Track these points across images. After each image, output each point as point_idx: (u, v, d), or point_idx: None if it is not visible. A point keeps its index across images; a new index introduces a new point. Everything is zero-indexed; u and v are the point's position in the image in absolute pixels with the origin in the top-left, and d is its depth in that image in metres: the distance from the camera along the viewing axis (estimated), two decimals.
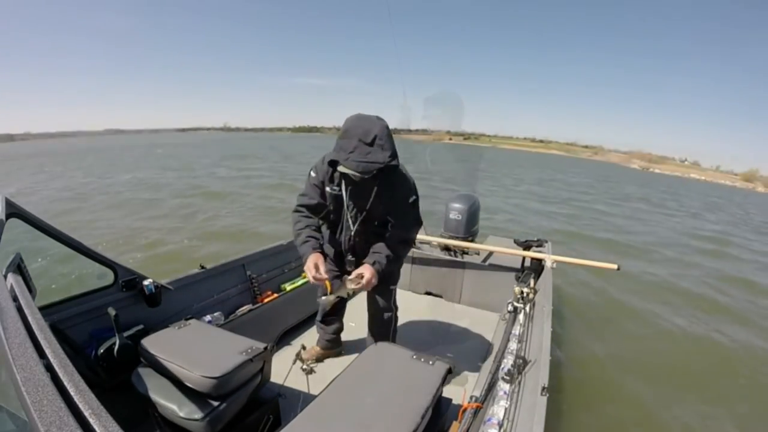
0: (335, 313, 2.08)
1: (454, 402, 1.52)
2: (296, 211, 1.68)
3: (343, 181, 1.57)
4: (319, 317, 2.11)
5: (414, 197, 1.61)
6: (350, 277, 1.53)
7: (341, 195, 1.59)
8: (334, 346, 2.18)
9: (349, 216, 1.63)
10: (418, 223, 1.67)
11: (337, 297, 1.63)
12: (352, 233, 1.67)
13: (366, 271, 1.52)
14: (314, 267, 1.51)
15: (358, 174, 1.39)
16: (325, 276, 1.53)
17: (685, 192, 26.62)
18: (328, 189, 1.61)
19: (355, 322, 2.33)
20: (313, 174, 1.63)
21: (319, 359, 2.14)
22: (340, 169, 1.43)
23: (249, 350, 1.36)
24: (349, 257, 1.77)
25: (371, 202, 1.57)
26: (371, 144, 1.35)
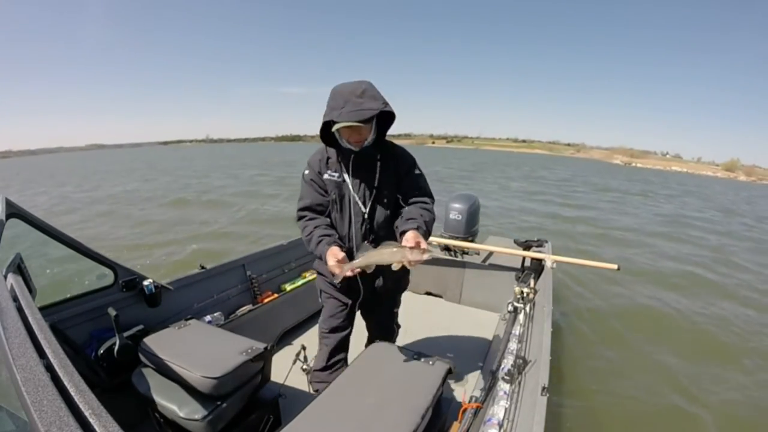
0: (341, 348, 1.73)
1: (454, 402, 1.52)
2: (300, 218, 1.57)
3: (341, 165, 1.52)
4: (323, 363, 1.70)
5: (419, 170, 1.58)
6: (409, 247, 1.21)
7: (342, 180, 1.53)
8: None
9: (357, 199, 1.54)
10: (432, 197, 1.60)
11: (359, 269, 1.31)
12: (366, 215, 1.55)
13: (419, 238, 1.28)
14: (338, 263, 1.31)
15: (354, 122, 1.33)
16: (355, 268, 1.32)
17: (663, 184, 26.58)
18: (326, 176, 1.53)
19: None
20: (306, 171, 1.58)
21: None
22: (336, 127, 1.38)
23: (249, 350, 1.36)
24: (367, 244, 1.55)
25: (378, 177, 1.52)
26: (361, 96, 1.36)
